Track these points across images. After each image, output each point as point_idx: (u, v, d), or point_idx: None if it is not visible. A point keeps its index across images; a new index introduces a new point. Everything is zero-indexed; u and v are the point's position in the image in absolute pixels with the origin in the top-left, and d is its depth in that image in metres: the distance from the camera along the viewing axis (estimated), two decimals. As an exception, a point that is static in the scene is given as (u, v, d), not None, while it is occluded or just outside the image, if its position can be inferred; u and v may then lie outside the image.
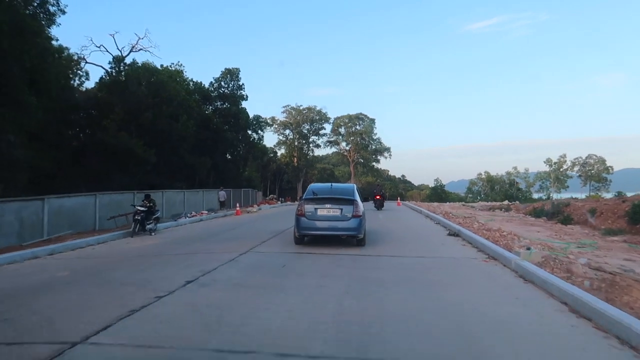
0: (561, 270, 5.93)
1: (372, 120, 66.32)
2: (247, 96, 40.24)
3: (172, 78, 29.94)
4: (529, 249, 6.92)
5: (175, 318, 3.92)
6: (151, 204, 12.04)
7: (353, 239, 8.59)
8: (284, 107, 62.76)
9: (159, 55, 73.22)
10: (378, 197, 21.53)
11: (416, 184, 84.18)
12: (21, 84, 14.47)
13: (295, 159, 60.29)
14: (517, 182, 73.47)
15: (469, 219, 14.41)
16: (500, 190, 68.79)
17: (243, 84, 40.05)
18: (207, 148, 35.17)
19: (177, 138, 30.11)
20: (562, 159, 77.77)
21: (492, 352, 3.22)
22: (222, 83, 39.95)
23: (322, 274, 5.89)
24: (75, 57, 27.42)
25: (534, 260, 6.60)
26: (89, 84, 29.05)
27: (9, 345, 3.30)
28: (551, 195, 67.78)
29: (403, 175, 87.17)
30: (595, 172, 76.26)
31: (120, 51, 29.60)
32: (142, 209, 11.54)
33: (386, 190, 34.48)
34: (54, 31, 24.44)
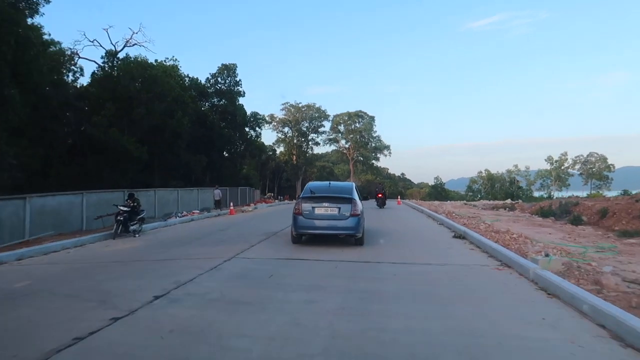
0: (588, 281, 5.18)
1: (372, 118, 65.61)
2: (244, 92, 39.49)
3: (166, 73, 29.12)
4: (547, 255, 6.17)
5: (124, 350, 3.17)
6: (135, 204, 11.29)
7: (351, 238, 8.40)
8: (282, 104, 62.02)
9: (154, 51, 72.07)
10: (380, 195, 21.92)
11: (416, 182, 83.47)
12: (1, 75, 13.67)
13: (294, 157, 59.50)
14: (517, 181, 72.74)
15: (473, 219, 13.66)
16: (501, 189, 67.98)
17: (240, 80, 39.32)
18: (203, 145, 34.38)
19: (172, 135, 29.31)
20: (563, 157, 77.04)
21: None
22: (219, 79, 39.17)
23: (315, 285, 5.14)
24: (69, 52, 26.60)
25: (554, 268, 5.86)
26: (84, 80, 28.38)
27: None
28: (552, 194, 67.09)
29: (403, 174, 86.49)
30: (596, 170, 75.57)
31: (114, 46, 28.76)
32: (124, 209, 10.78)
33: (387, 188, 33.88)
34: (46, 26, 23.71)
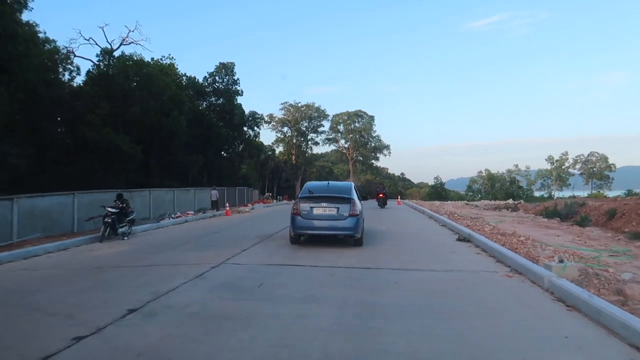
0: (610, 291, 4.70)
1: (372, 118, 65.14)
2: (242, 91, 38.97)
3: (162, 72, 28.62)
4: (561, 261, 5.69)
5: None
6: (124, 205, 10.80)
7: (350, 239, 8.29)
8: (282, 104, 61.51)
9: (150, 49, 71.74)
10: (381, 195, 22.44)
11: (415, 182, 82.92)
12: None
13: (293, 156, 59.02)
14: (518, 180, 72.33)
15: (476, 220, 13.18)
16: (501, 189, 67.56)
17: (238, 78, 38.81)
18: (201, 145, 33.86)
19: (168, 134, 28.78)
20: (564, 157, 76.59)
21: None
22: (217, 78, 38.65)
23: (308, 296, 4.65)
24: (64, 51, 26.08)
25: (570, 275, 5.38)
26: (81, 79, 27.79)
27: None
28: (553, 194, 66.66)
29: (402, 173, 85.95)
30: (597, 170, 75.13)
31: (110, 44, 28.30)
32: (112, 210, 10.29)
33: (387, 188, 33.65)
34: (42, 24, 23.23)
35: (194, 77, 37.22)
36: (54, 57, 25.02)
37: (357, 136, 64.18)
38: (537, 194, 66.81)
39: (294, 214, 8.25)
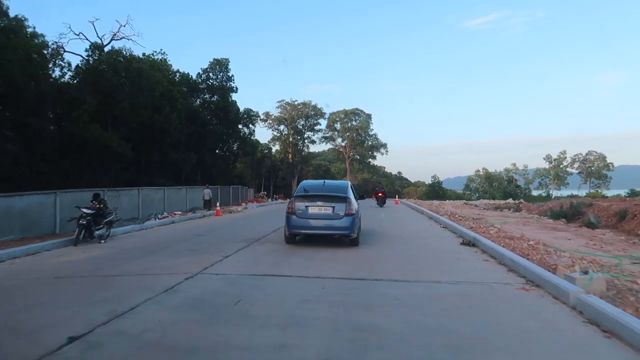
0: (650, 310, 3.98)
1: (369, 116, 64.39)
2: (237, 88, 38.12)
3: (154, 67, 27.74)
4: (586, 272, 4.96)
5: None
6: (101, 205, 10.01)
7: (346, 239, 8.17)
8: (278, 102, 60.58)
9: (143, 45, 70.18)
10: (380, 194, 23.06)
11: (412, 180, 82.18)
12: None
13: (290, 155, 58.22)
14: (515, 179, 71.90)
15: (479, 222, 12.48)
16: (499, 188, 67.11)
17: (233, 75, 37.97)
18: (194, 143, 33.02)
19: (160, 132, 27.96)
20: (562, 156, 76.09)
21: None
22: (211, 74, 37.80)
23: (292, 317, 3.89)
24: (54, 46, 25.13)
25: (597, 289, 4.67)
26: (69, 75, 26.84)
27: None
28: (551, 193, 66.21)
29: (399, 172, 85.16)
30: (595, 169, 74.69)
31: (101, 39, 27.36)
32: (87, 211, 9.49)
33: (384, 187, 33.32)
34: (31, 19, 22.39)
35: (188, 74, 36.40)
36: (42, 52, 24.12)
37: (354, 134, 63.46)
38: (534, 193, 66.36)
39: (289, 213, 8.09)
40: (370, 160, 66.57)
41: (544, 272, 5.37)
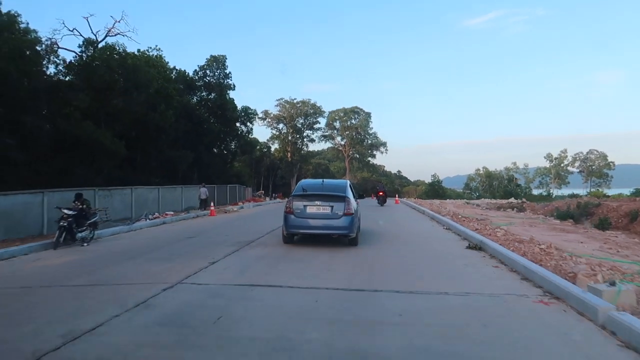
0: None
1: (368, 114, 63.82)
2: (234, 85, 37.54)
3: (149, 63, 27.12)
4: (613, 283, 4.40)
5: None
6: (84, 206, 9.44)
7: (345, 239, 8.07)
8: (277, 100, 59.98)
9: (138, 41, 69.15)
10: (381, 193, 23.29)
11: (412, 179, 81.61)
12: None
13: (289, 153, 57.64)
14: (516, 178, 71.42)
15: (484, 223, 11.93)
16: (499, 186, 66.63)
17: (230, 72, 37.34)
18: (191, 141, 32.40)
19: (155, 129, 27.35)
20: (562, 154, 75.55)
21: None
22: (208, 71, 37.18)
23: (279, 339, 3.33)
24: (48, 42, 24.48)
25: (626, 302, 4.13)
26: (61, 71, 26.16)
27: None
28: (551, 192, 65.70)
29: (399, 171, 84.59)
30: (596, 168, 74.16)
31: (95, 35, 26.69)
32: (69, 212, 8.92)
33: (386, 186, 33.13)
34: (24, 15, 21.80)
35: (184, 71, 35.78)
36: (35, 48, 23.51)
37: (354, 133, 62.90)
38: (535, 192, 65.90)
39: (287, 212, 8.00)
40: (369, 159, 66.06)
41: (563, 283, 4.81)
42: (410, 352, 3.10)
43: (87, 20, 25.36)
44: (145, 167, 28.54)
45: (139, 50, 28.54)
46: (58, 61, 24.94)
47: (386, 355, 3.05)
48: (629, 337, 3.34)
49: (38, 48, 23.78)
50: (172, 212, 16.59)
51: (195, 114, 34.22)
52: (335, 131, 64.10)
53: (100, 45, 26.22)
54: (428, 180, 64.44)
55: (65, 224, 8.75)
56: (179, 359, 2.99)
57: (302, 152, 60.25)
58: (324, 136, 63.74)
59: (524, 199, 31.72)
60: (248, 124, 41.91)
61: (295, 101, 59.63)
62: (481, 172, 72.57)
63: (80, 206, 9.32)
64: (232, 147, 41.14)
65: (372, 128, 63.97)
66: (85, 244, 8.99)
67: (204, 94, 37.12)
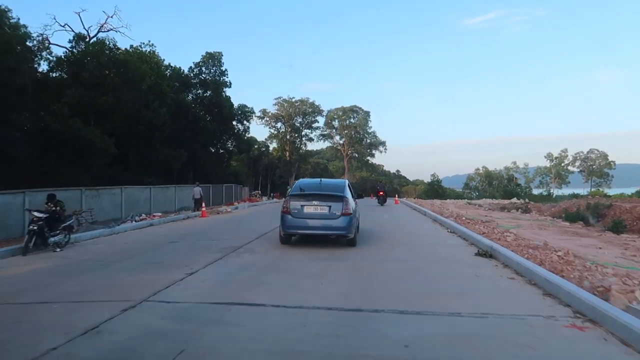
0: None
1: (367, 113, 63.08)
2: (230, 83, 36.75)
3: (141, 59, 26.30)
4: (660, 305, 3.67)
5: None
6: (57, 208, 8.68)
7: (343, 239, 7.94)
8: (275, 99, 59.19)
9: (132, 38, 67.88)
10: (381, 192, 23.45)
11: (411, 179, 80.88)
12: None
13: (287, 153, 56.87)
14: (516, 178, 70.82)
15: (489, 225, 11.20)
16: (499, 186, 66.00)
17: (226, 69, 36.54)
18: (186, 140, 31.60)
19: (148, 127, 26.56)
20: (563, 154, 74.95)
21: None
22: (203, 69, 36.37)
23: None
24: (40, 38, 23.67)
25: (679, 329, 3.38)
26: (46, 66, 25.32)
27: None
28: (552, 191, 65.10)
29: (398, 170, 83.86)
30: (597, 168, 73.56)
31: (87, 31, 25.87)
32: (39, 215, 8.16)
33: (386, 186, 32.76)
34: (15, 10, 21.14)
35: (179, 68, 34.97)
36: (26, 44, 22.70)
37: (352, 132, 62.18)
38: (535, 191, 65.29)
39: (284, 212, 7.88)
40: (368, 158, 65.34)
41: (596, 301, 4.07)
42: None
43: (79, 15, 24.60)
44: (138, 166, 27.76)
45: (131, 46, 27.75)
46: (51, 58, 24.21)
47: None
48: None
49: (29, 44, 23.04)
50: (160, 214, 15.82)
51: (191, 111, 33.43)
52: (334, 130, 63.39)
53: (92, 41, 25.45)
54: (427, 179, 63.78)
55: (35, 227, 8.00)
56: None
57: (301, 151, 59.52)
58: (323, 135, 63.07)
59: (527, 200, 30.96)
60: (245, 122, 41.19)
61: (293, 100, 58.89)
62: (481, 171, 71.98)
63: (53, 208, 8.56)
64: (229, 146, 40.37)
65: (371, 127, 63.29)
66: (58, 250, 8.23)
67: (199, 91, 36.33)
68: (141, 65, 24.24)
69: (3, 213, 12.27)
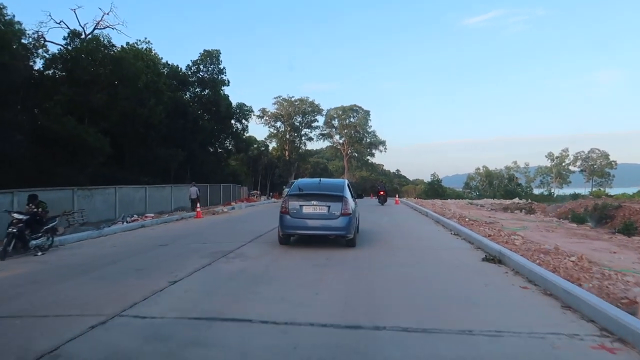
0: None
1: (367, 112, 62.62)
2: (228, 81, 36.25)
3: (137, 57, 25.81)
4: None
5: None
6: (39, 209, 8.22)
7: (342, 239, 7.83)
8: (274, 98, 58.72)
9: (129, 35, 67.21)
10: (382, 192, 23.55)
11: (411, 178, 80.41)
12: None
13: (286, 152, 56.42)
14: (516, 178, 70.40)
15: (494, 227, 10.75)
16: (500, 186, 65.59)
17: (224, 67, 36.04)
18: (183, 138, 31.14)
19: (144, 126, 26.10)
20: (564, 153, 74.54)
21: None
22: (201, 67, 35.86)
23: None
24: (35, 36, 23.17)
25: None
26: (41, 64, 24.81)
27: None
28: (553, 191, 64.69)
29: (398, 170, 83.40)
30: (598, 167, 73.13)
31: (83, 28, 25.36)
32: (19, 216, 7.70)
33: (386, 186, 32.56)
34: (10, 7, 20.61)
35: (177, 66, 34.50)
36: (21, 40, 22.21)
37: (352, 131, 61.72)
38: (536, 191, 64.91)
39: (282, 212, 7.79)
40: (368, 157, 64.90)
41: (625, 317, 3.61)
42: None
43: (75, 12, 24.04)
44: (135, 166, 27.30)
45: (127, 43, 27.26)
46: (47, 56, 23.72)
47: None
48: None
49: (24, 41, 22.56)
50: (152, 214, 15.35)
51: (188, 110, 32.95)
52: (334, 129, 62.95)
53: (88, 39, 24.94)
54: (427, 179, 63.44)
55: (14, 230, 7.55)
56: None
57: (300, 150, 59.10)
58: (322, 134, 62.63)
59: (530, 200, 30.49)
60: (243, 121, 40.70)
61: (293, 99, 58.43)
62: (481, 171, 71.54)
63: (34, 209, 8.10)
64: (228, 145, 39.89)
65: (371, 126, 62.84)
66: (40, 253, 7.78)
67: (197, 89, 35.84)
68: (136, 63, 23.77)
69: (-9, 214, 11.82)
